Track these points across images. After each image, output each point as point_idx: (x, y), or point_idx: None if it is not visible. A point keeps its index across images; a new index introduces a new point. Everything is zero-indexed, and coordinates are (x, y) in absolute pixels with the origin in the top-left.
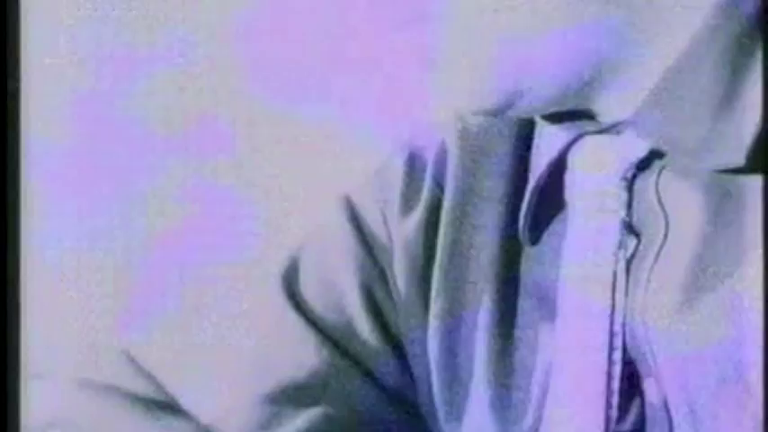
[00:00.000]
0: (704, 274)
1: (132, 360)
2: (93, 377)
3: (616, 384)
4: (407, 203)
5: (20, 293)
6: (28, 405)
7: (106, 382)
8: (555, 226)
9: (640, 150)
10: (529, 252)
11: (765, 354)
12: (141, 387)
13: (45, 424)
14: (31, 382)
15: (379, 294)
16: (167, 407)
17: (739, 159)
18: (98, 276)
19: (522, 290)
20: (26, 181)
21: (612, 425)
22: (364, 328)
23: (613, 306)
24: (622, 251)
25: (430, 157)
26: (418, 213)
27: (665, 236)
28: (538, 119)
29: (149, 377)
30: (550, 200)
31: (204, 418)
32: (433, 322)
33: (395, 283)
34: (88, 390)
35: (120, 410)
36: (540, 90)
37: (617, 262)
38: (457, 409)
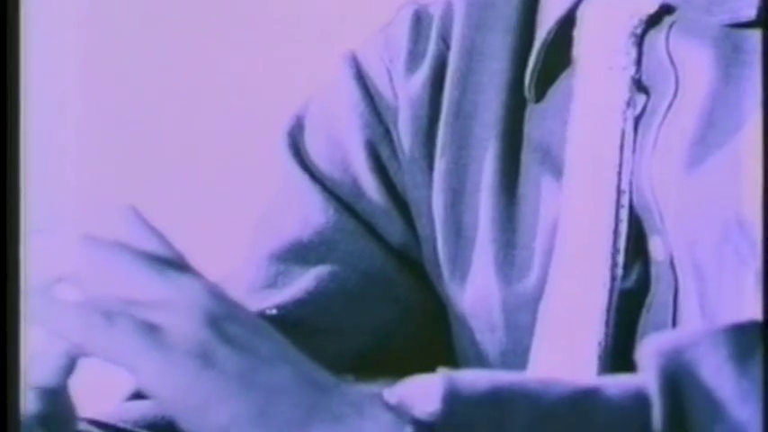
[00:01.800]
0: (713, 130)
1: (138, 216)
2: (98, 233)
3: (622, 242)
4: (413, 61)
5: (19, 146)
6: (30, 261)
7: (111, 237)
8: (562, 83)
9: (650, 6)
10: (535, 109)
11: (765, 353)
12: (148, 243)
13: (49, 279)
14: (34, 237)
15: (385, 153)
16: (175, 263)
17: (750, 13)
18: (101, 130)
19: (527, 148)
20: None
21: (617, 283)
22: (369, 186)
23: (621, 164)
24: (631, 109)
25: (436, 13)
26: (423, 71)
27: (675, 92)
28: None
29: (156, 233)
30: (558, 57)
31: (211, 275)
32: (438, 180)
33: (400, 142)
34: (93, 245)
35: (126, 266)
36: None
37: (625, 120)
38: (461, 268)
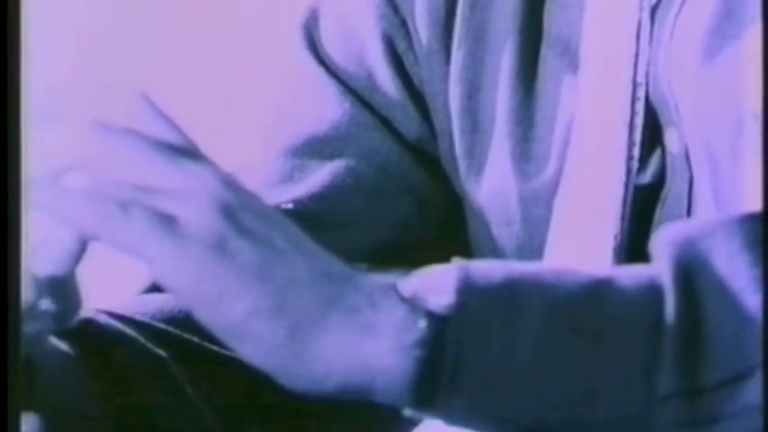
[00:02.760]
0: (730, 21)
1: (150, 103)
2: (109, 119)
3: (638, 135)
4: None
5: (20, 30)
6: (36, 149)
7: (123, 124)
8: None
9: None
10: (553, 1)
11: (765, 353)
12: (160, 131)
13: (58, 168)
14: (42, 125)
15: (401, 45)
16: (188, 152)
17: None
18: (112, 14)
19: (546, 42)
20: None
21: (633, 176)
22: (385, 79)
23: (637, 55)
24: None
25: None
26: None
27: None
28: None
29: (169, 121)
30: None
31: (225, 169)
32: (455, 73)
33: (416, 34)
34: (103, 132)
35: (138, 154)
36: None
37: (642, 10)
38: (477, 162)
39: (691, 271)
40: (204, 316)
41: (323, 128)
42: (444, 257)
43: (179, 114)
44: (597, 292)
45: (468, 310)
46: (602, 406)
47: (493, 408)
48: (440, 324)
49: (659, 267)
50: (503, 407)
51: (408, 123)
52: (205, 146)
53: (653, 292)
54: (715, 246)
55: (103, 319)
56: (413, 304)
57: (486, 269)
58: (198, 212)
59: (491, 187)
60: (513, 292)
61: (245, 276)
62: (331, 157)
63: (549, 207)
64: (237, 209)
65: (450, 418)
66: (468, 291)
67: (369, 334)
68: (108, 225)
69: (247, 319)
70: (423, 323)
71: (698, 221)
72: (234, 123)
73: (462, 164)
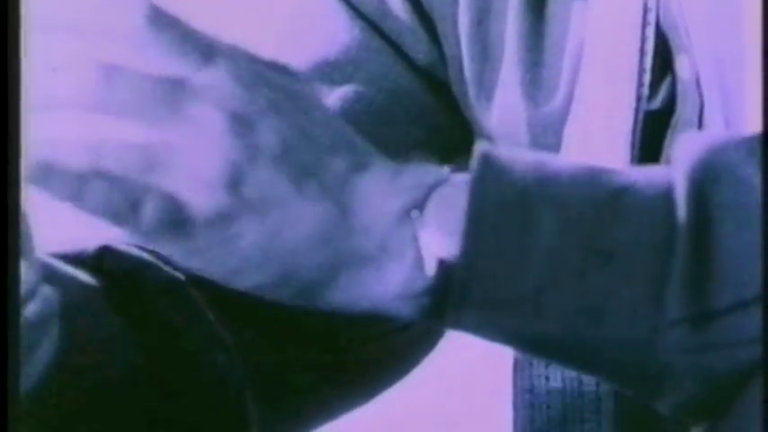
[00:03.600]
0: None
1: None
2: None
3: (648, 61)
4: None
5: None
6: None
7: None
8: None
9: None
10: None
11: (765, 353)
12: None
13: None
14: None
15: None
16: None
17: None
18: None
19: None
20: None
21: (643, 103)
22: (396, 3)
23: None
24: None
25: None
26: None
27: None
28: None
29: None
30: None
31: None
32: None
33: None
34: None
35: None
36: None
37: None
38: (486, 89)
39: (706, 183)
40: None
41: (333, 52)
42: None
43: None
44: (609, 207)
45: (480, 225)
46: (610, 326)
47: (502, 323)
48: (449, 271)
49: (675, 175)
50: (511, 322)
51: (419, 48)
52: None
53: (666, 206)
54: (733, 161)
55: (121, 246)
56: (424, 245)
57: (501, 183)
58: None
59: (501, 114)
60: (525, 209)
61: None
62: (341, 82)
63: (558, 135)
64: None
65: (460, 330)
66: (481, 207)
67: (378, 282)
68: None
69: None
70: (432, 264)
71: (717, 134)
72: (241, 39)
73: (472, 90)
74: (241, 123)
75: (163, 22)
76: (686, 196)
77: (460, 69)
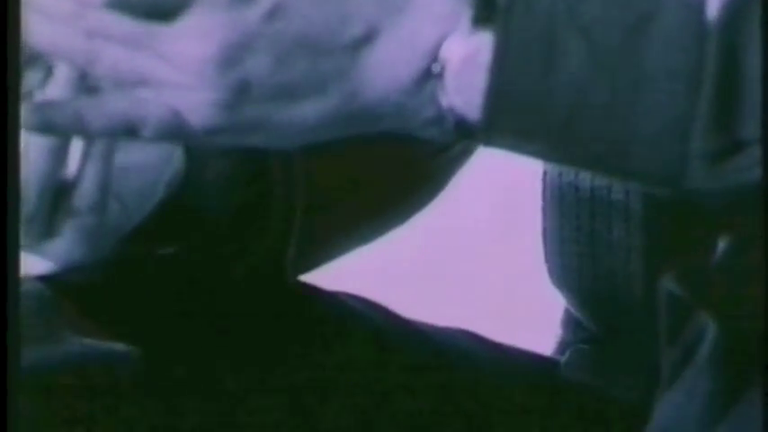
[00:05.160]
0: None
1: None
2: None
3: None
4: None
5: None
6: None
7: None
8: None
9: None
10: None
11: (765, 355)
12: None
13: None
14: None
15: None
16: None
17: None
18: None
19: None
20: None
21: None
22: None
23: None
24: None
25: None
26: None
27: None
28: None
29: None
30: None
31: None
32: None
33: None
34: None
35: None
36: None
37: None
38: None
39: (740, 10)
40: None
41: None
42: None
43: None
44: (639, 33)
45: (508, 57)
46: (636, 156)
47: (530, 148)
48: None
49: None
50: (539, 148)
51: None
52: None
53: (697, 32)
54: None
55: None
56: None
57: (530, 12)
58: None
59: None
60: (553, 39)
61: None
62: None
63: None
64: None
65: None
66: (509, 39)
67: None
68: None
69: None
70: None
71: None
72: None
73: None
74: None
75: None
76: (718, 21)
77: None
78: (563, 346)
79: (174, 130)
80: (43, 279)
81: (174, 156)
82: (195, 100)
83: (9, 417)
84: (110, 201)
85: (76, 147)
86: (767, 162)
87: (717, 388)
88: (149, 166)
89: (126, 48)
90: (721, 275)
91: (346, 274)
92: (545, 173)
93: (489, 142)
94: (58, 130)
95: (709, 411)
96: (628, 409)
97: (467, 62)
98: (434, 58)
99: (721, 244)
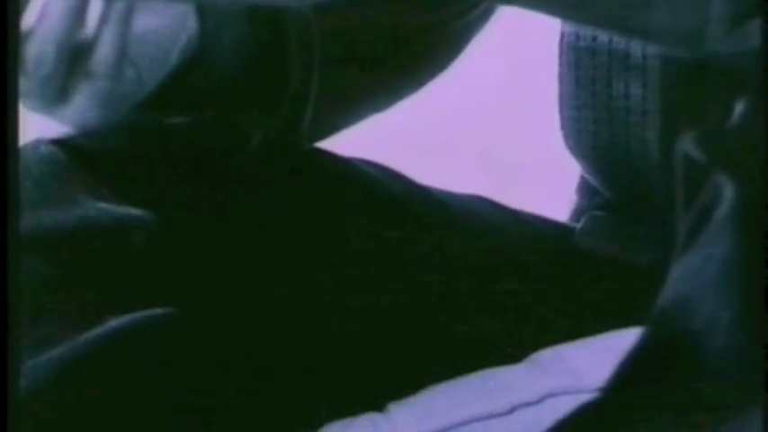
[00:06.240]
0: None
1: None
2: None
3: None
4: None
5: None
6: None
7: None
8: None
9: None
10: None
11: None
12: None
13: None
14: None
15: None
16: None
17: None
18: None
19: None
20: None
21: None
22: None
23: None
24: None
25: None
26: None
27: None
28: None
29: None
30: None
31: None
32: None
33: None
34: None
35: None
36: None
37: None
38: None
39: None
40: None
41: None
42: None
43: None
44: None
45: None
46: (656, 15)
47: (550, 4)
48: None
49: None
50: (559, 4)
51: None
52: None
53: None
54: None
55: None
56: None
57: None
58: None
59: None
60: None
61: None
62: None
63: None
64: None
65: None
66: None
67: None
68: None
69: None
70: None
71: None
72: None
73: None
74: None
75: None
76: None
77: None
78: (578, 213)
79: None
80: (57, 142)
81: (189, 22)
82: None
83: (9, 276)
84: (125, 66)
85: (95, 8)
86: (767, 161)
87: (734, 250)
88: (165, 32)
89: None
90: (738, 138)
91: (361, 140)
92: (562, 36)
93: (510, 0)
94: None
95: (726, 274)
96: (644, 273)
97: None
98: None
99: (738, 107)
